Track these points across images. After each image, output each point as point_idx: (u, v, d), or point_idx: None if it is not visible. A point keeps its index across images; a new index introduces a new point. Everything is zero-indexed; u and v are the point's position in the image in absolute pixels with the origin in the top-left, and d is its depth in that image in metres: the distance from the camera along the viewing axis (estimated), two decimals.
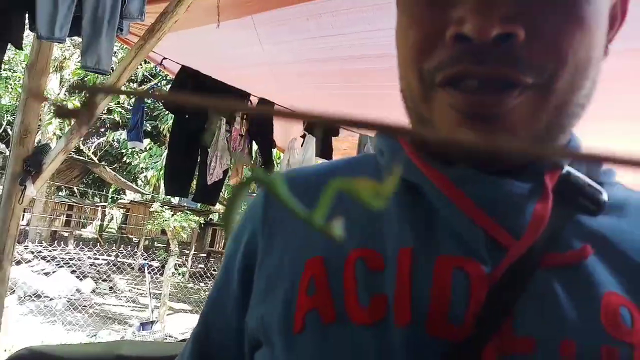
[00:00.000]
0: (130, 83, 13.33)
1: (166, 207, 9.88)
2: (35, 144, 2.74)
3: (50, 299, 7.97)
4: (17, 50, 2.40)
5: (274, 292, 0.48)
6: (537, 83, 0.41)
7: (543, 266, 0.42)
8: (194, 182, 3.43)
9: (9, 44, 2.29)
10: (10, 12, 2.18)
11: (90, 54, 2.23)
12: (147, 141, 11.76)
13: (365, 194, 0.21)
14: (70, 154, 3.03)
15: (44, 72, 2.71)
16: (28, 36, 2.52)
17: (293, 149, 3.56)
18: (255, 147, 3.55)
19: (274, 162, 3.73)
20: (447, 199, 0.45)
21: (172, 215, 9.46)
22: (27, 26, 2.26)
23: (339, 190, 0.22)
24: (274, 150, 3.90)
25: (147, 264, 9.31)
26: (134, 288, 10.81)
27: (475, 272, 0.42)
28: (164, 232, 10.57)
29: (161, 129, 12.63)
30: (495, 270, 0.42)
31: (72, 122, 2.72)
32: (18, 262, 7.93)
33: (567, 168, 0.47)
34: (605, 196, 0.46)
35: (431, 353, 0.40)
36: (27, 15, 2.21)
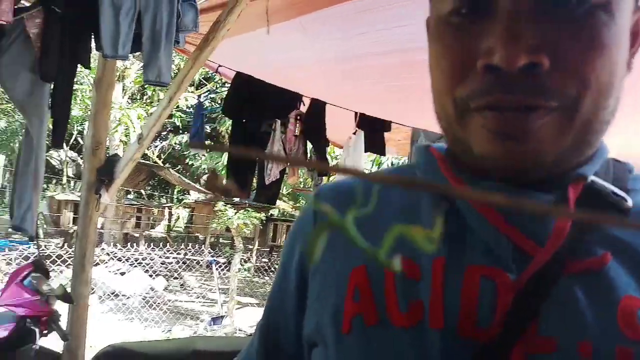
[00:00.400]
0: (189, 87, 13.73)
1: (229, 205, 10.17)
2: (106, 154, 2.91)
3: (127, 298, 8.41)
4: None
5: (326, 297, 0.54)
6: (562, 106, 0.44)
7: (566, 272, 0.45)
8: (254, 182, 3.54)
9: (79, 64, 2.46)
10: (79, 36, 2.34)
11: (151, 68, 2.35)
12: (207, 143, 12.13)
13: (419, 238, 0.26)
14: None
15: (110, 86, 2.86)
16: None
17: (348, 147, 3.61)
18: (310, 146, 3.63)
19: (329, 159, 3.79)
20: (475, 212, 0.49)
21: (235, 213, 9.73)
22: (93, 47, 2.42)
23: (400, 235, 0.27)
24: (328, 148, 3.96)
25: (214, 260, 9.62)
26: (203, 284, 11.22)
27: (501, 280, 0.46)
28: (228, 229, 10.87)
29: (220, 131, 12.95)
30: (520, 278, 0.45)
31: (138, 133, 2.88)
32: (96, 264, 8.41)
33: (591, 177, 0.49)
34: (629, 203, 0.48)
35: (462, 354, 0.44)
36: (92, 37, 2.37)
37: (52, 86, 2.39)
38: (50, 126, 2.51)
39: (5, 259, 8.61)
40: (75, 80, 2.59)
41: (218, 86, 13.10)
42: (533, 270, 0.45)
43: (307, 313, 0.57)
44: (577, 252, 0.46)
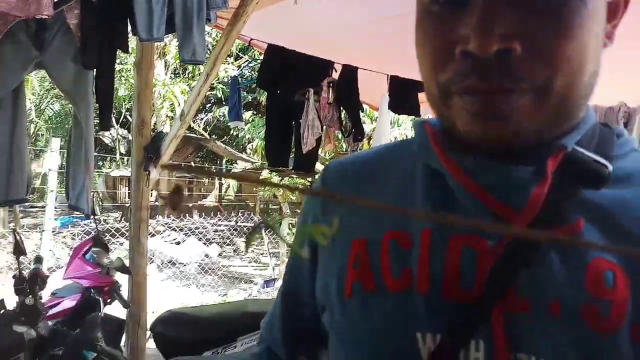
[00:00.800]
0: (228, 57, 13.84)
1: (274, 173, 10.33)
2: (152, 132, 3.03)
3: (184, 265, 8.80)
4: None
5: (332, 266, 0.61)
6: (535, 88, 0.47)
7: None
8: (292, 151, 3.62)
9: (118, 50, 2.58)
10: (115, 23, 2.44)
11: (186, 47, 2.43)
12: (249, 113, 12.28)
13: (316, 234, 0.33)
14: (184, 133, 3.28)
15: (150, 67, 2.95)
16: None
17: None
18: (343, 112, 3.66)
19: (362, 124, 3.81)
20: (459, 184, 0.52)
21: (280, 180, 9.89)
22: (129, 32, 2.52)
23: (307, 235, 0.34)
24: (363, 112, 3.98)
25: (264, 226, 9.86)
26: (255, 249, 11.55)
27: (481, 247, 0.50)
28: (275, 195, 11.09)
29: (260, 101, 13.07)
30: (499, 244, 0.49)
31: (182, 109, 2.99)
32: (153, 235, 8.81)
33: (573, 147, 0.51)
34: (609, 170, 0.50)
35: (448, 315, 0.49)
36: (128, 23, 2.46)
37: (94, 73, 2.51)
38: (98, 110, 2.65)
39: (70, 234, 9.19)
40: (118, 61, 2.70)
41: (255, 56, 13.14)
42: (511, 236, 0.49)
43: (317, 281, 0.64)
44: (553, 218, 0.48)
